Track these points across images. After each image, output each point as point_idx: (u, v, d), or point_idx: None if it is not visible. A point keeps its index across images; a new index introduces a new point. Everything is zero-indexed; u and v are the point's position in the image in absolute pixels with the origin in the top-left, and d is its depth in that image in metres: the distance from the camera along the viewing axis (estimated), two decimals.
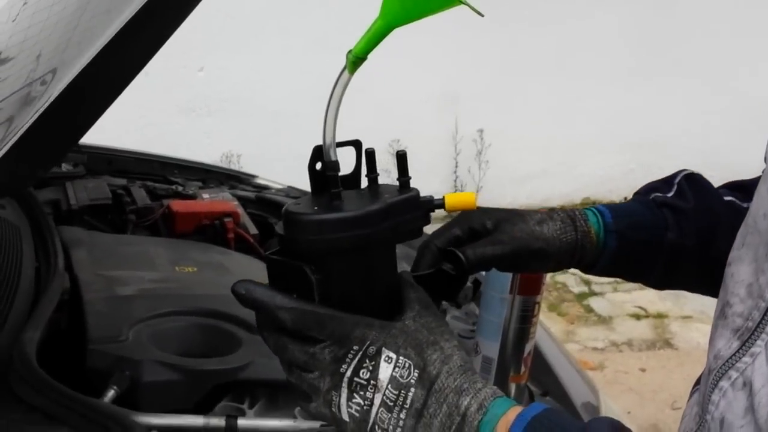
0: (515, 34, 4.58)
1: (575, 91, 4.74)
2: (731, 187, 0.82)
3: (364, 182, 0.65)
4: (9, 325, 0.96)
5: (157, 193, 1.78)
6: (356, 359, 0.57)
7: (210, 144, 4.17)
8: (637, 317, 3.75)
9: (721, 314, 0.59)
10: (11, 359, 0.87)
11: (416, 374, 0.56)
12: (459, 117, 4.70)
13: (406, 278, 0.64)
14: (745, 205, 0.78)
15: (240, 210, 1.68)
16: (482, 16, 0.56)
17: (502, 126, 4.68)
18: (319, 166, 0.61)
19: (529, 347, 0.99)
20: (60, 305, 1.08)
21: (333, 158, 0.60)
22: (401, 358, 0.56)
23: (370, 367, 0.56)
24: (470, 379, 0.56)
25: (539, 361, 1.12)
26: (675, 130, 4.88)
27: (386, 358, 0.56)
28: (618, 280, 3.83)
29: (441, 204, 0.64)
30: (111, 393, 0.88)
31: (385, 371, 0.56)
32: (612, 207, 0.78)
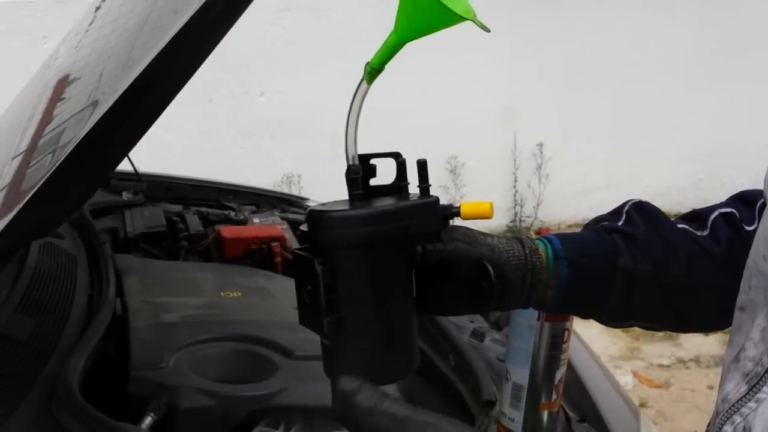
0: (575, 45, 4.53)
1: (639, 102, 4.65)
2: (685, 218, 0.80)
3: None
4: (57, 353, 1.02)
5: (209, 219, 1.84)
6: None
7: (271, 166, 4.27)
8: (706, 333, 3.62)
9: (735, 358, 0.58)
10: (55, 387, 0.91)
11: None
12: (518, 131, 4.66)
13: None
14: (699, 233, 0.76)
15: (287, 234, 1.71)
16: (488, 31, 0.59)
17: (562, 139, 4.62)
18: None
19: (560, 374, 0.97)
20: (110, 332, 1.13)
21: (354, 163, 0.65)
22: None
23: None
24: None
25: (578, 385, 1.10)
26: (743, 138, 4.72)
27: None
28: None
29: (458, 212, 0.66)
30: (148, 420, 0.91)
31: None
32: (561, 235, 0.76)
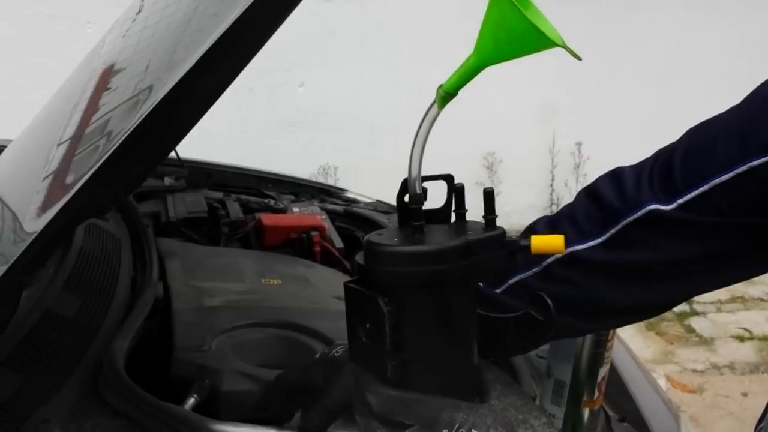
0: (618, 44, 4.46)
1: (682, 103, 4.56)
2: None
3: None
4: (102, 332, 1.03)
5: (250, 207, 1.85)
6: None
7: (308, 157, 4.29)
8: (741, 339, 3.56)
9: None
10: (101, 365, 0.93)
11: None
12: (557, 130, 4.62)
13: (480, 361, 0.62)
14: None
15: (327, 224, 1.72)
16: (580, 59, 0.55)
17: (602, 138, 4.57)
18: (407, 198, 0.61)
19: (603, 372, 0.97)
20: (153, 314, 1.14)
21: (417, 191, 0.60)
22: None
23: None
24: None
25: (618, 384, 1.09)
26: None
27: None
28: (721, 299, 3.64)
29: (527, 246, 0.60)
30: (191, 401, 0.92)
31: None
32: None
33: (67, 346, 0.97)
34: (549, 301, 0.62)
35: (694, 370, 3.35)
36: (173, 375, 0.98)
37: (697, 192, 0.65)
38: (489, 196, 0.61)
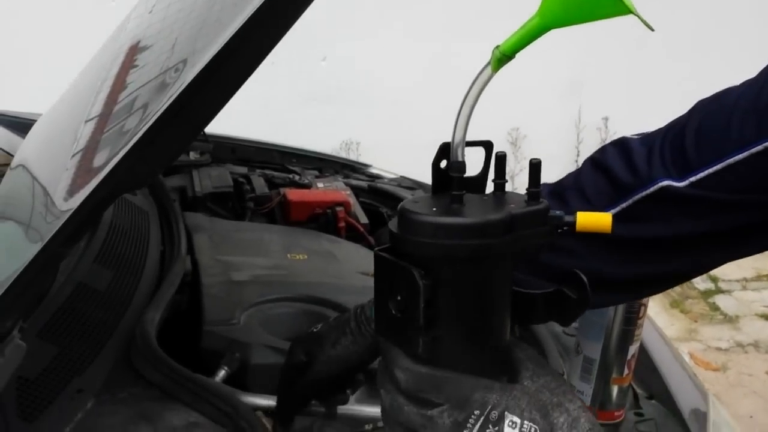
0: (647, 16, 4.38)
1: (715, 74, 4.47)
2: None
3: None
4: (134, 305, 1.04)
5: (274, 182, 1.86)
6: (478, 424, 0.54)
7: (330, 132, 4.27)
8: (766, 317, 3.53)
9: None
10: (134, 337, 0.94)
11: None
12: (583, 104, 4.56)
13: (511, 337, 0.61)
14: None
15: (351, 199, 1.72)
16: (653, 30, 0.52)
17: (629, 113, 4.50)
18: (443, 164, 0.58)
19: (633, 349, 0.96)
20: (181, 287, 1.15)
21: (460, 158, 0.56)
22: (526, 422, 0.54)
23: None
24: None
25: (646, 362, 1.08)
26: None
27: (510, 423, 0.54)
28: (747, 277, 3.59)
29: (572, 222, 0.57)
30: (222, 373, 0.93)
31: None
32: None
33: (100, 318, 0.98)
34: (584, 278, 0.59)
35: (718, 348, 3.33)
36: (203, 348, 0.99)
37: (711, 170, 0.65)
38: (535, 168, 0.57)
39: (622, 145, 0.73)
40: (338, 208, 1.64)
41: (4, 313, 0.55)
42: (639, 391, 1.06)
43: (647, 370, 1.08)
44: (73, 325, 0.93)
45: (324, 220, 1.64)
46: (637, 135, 0.74)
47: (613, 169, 0.72)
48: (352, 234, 1.65)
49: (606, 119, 4.58)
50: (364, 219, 1.68)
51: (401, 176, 2.07)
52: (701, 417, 1.02)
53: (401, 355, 0.58)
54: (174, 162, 1.74)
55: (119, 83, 0.81)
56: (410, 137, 3.73)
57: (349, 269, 1.36)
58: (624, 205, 0.70)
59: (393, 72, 4.25)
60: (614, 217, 0.68)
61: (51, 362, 0.84)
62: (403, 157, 2.77)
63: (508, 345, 0.60)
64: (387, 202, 1.84)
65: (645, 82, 4.49)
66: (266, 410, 0.87)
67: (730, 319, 3.54)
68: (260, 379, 0.96)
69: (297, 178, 1.90)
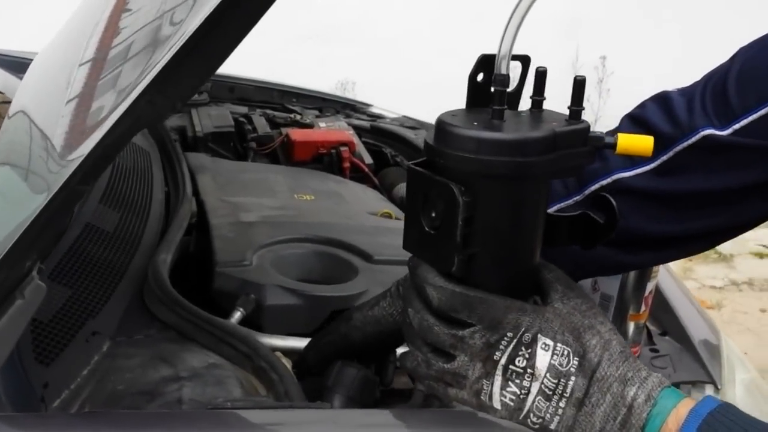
0: None
1: (713, 17, 4.42)
2: None
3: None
4: (143, 246, 1.03)
5: (276, 122, 1.82)
6: (511, 346, 0.54)
7: (325, 72, 4.21)
8: (760, 256, 3.57)
9: None
10: (146, 279, 0.92)
11: (576, 362, 0.54)
12: (580, 43, 4.50)
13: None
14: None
15: (355, 139, 1.69)
16: None
17: (627, 52, 4.45)
18: (480, 77, 0.56)
19: (650, 286, 0.96)
20: (188, 229, 1.13)
21: (503, 71, 0.54)
22: (559, 344, 0.54)
23: (527, 355, 0.54)
24: (634, 366, 0.54)
25: (658, 298, 1.08)
26: None
27: (543, 345, 0.54)
28: None
29: (612, 144, 0.55)
30: (237, 314, 0.92)
31: (543, 359, 0.54)
32: None
33: (110, 259, 0.96)
34: (612, 201, 0.59)
35: (713, 287, 3.36)
36: (215, 289, 0.98)
37: (755, 115, 0.62)
38: (579, 84, 0.55)
39: (660, 97, 0.71)
40: (342, 148, 1.61)
41: (25, 252, 0.53)
42: (652, 328, 1.06)
43: (659, 308, 1.08)
44: (84, 266, 0.91)
45: (328, 160, 1.62)
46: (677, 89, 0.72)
47: (652, 121, 0.69)
48: (356, 174, 1.63)
49: (604, 58, 4.52)
50: (368, 159, 1.65)
51: (403, 116, 2.04)
52: (715, 352, 1.02)
53: (433, 272, 0.57)
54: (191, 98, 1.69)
55: (111, 27, 0.78)
56: (407, 76, 3.67)
57: (358, 210, 1.34)
58: (665, 157, 0.67)
59: (389, 11, 4.16)
60: (654, 171, 0.66)
61: (64, 305, 0.83)
62: (399, 96, 2.73)
63: (538, 265, 0.59)
64: (390, 143, 1.82)
65: (644, 20, 4.42)
66: (284, 351, 0.86)
67: (725, 258, 3.57)
68: (275, 320, 0.95)
69: (298, 117, 1.87)
